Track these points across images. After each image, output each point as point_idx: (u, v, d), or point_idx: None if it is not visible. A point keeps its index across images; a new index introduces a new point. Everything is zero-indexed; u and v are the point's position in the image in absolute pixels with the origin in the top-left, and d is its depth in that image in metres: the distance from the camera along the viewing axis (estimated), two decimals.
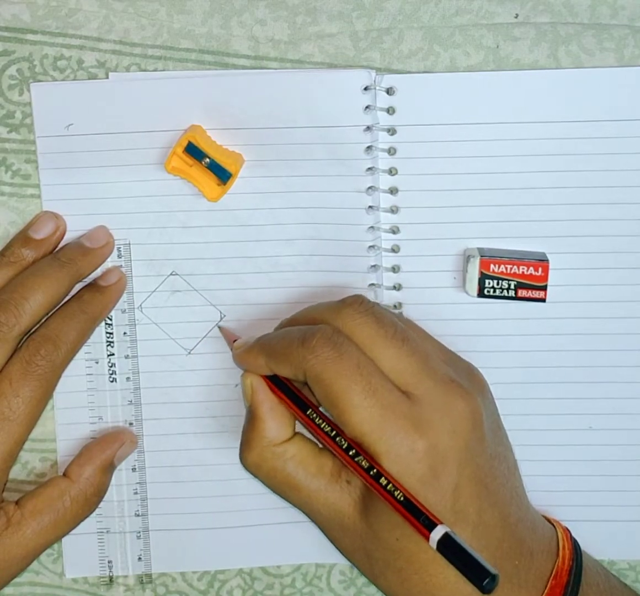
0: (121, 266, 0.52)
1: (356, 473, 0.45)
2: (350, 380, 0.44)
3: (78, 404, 0.52)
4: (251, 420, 0.48)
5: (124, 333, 0.52)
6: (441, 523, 0.42)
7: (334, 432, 0.45)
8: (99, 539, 0.53)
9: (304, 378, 0.45)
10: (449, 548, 0.42)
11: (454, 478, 0.44)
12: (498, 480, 0.46)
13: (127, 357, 0.52)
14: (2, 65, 0.51)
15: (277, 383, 0.47)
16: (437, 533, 0.42)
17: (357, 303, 0.46)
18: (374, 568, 0.47)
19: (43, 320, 0.49)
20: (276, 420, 0.47)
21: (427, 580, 0.45)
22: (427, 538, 0.42)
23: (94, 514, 0.51)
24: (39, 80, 0.51)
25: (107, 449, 0.51)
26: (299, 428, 0.49)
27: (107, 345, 0.52)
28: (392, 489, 0.43)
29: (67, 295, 0.50)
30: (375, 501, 0.45)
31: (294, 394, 0.47)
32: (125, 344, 0.52)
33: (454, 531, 0.43)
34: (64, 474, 0.50)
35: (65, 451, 0.52)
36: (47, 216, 0.51)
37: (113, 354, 0.52)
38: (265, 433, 0.47)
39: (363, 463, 0.44)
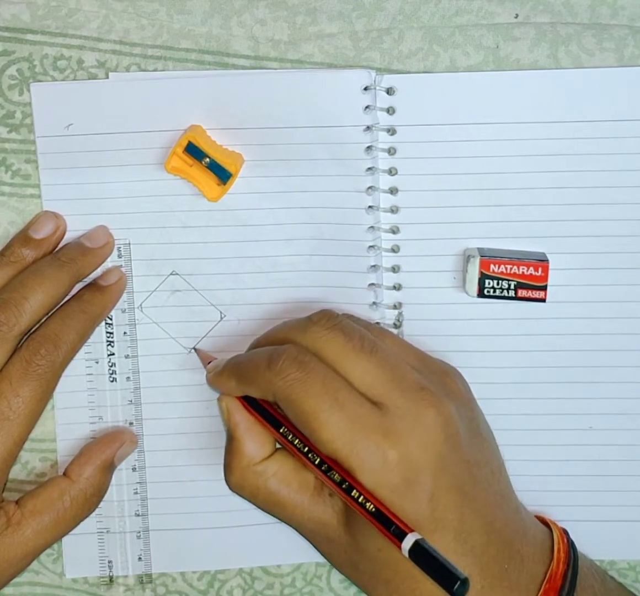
0: (121, 265, 0.52)
1: (331, 487, 0.45)
2: (317, 399, 0.44)
3: (78, 404, 0.52)
4: (230, 442, 0.48)
5: (124, 333, 0.52)
6: (411, 531, 0.43)
7: (307, 448, 0.45)
8: (99, 539, 0.53)
9: (274, 399, 0.45)
10: (421, 555, 0.42)
11: (429, 487, 0.44)
12: (480, 486, 0.46)
13: (127, 357, 0.52)
14: (2, 65, 0.51)
15: (251, 402, 0.47)
16: (408, 542, 0.42)
17: (324, 318, 0.46)
18: (363, 579, 0.47)
19: (43, 320, 0.49)
20: (254, 439, 0.48)
21: (414, 588, 0.45)
22: (399, 547, 0.43)
23: (94, 514, 0.51)
24: (39, 80, 0.51)
25: (107, 449, 0.51)
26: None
27: (107, 345, 0.52)
28: (364, 501, 0.43)
29: (67, 295, 0.50)
30: (356, 514, 0.45)
31: (268, 413, 0.47)
32: (126, 344, 0.52)
33: (435, 539, 0.43)
34: (64, 474, 0.50)
35: (65, 451, 0.52)
36: (47, 215, 0.51)
37: (113, 354, 0.52)
38: (244, 454, 0.47)
39: (335, 476, 0.44)
